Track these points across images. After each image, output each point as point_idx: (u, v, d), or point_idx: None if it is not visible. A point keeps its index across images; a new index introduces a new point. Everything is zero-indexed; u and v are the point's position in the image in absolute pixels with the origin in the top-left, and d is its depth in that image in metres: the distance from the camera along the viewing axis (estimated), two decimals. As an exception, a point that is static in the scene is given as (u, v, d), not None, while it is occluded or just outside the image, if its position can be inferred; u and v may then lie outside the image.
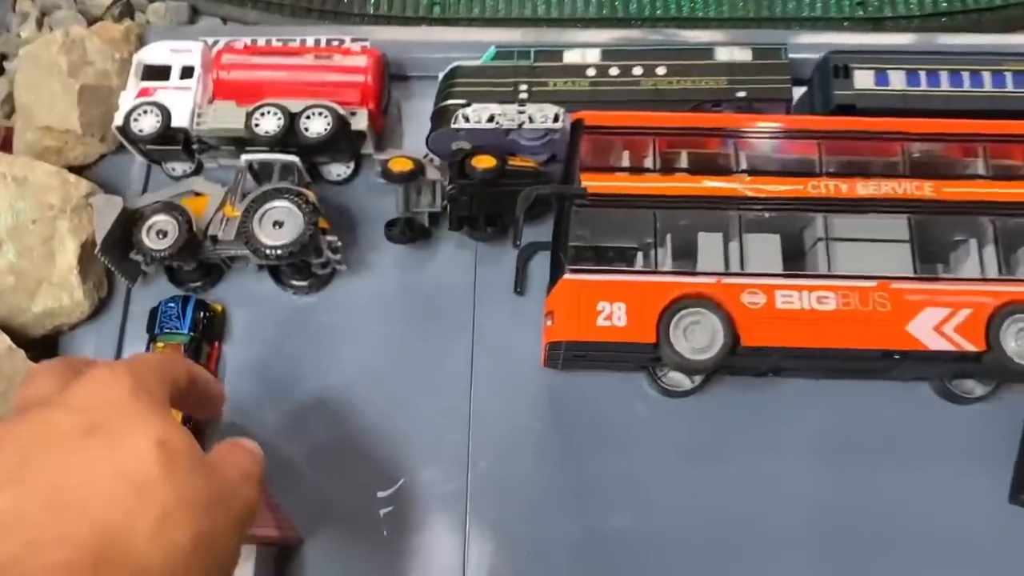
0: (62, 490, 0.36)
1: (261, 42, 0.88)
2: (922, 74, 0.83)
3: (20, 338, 0.78)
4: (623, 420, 0.78)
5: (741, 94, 0.82)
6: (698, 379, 0.78)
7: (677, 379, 0.78)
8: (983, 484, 0.77)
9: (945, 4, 0.91)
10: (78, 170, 0.85)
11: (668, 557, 0.74)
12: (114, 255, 0.78)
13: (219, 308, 0.82)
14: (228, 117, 0.80)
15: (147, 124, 0.81)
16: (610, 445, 0.78)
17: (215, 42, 0.87)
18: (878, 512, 0.76)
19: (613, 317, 0.69)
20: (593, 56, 0.85)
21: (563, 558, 0.74)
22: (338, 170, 0.87)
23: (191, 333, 0.78)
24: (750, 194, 0.74)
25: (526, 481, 0.77)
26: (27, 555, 0.34)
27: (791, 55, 0.85)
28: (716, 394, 0.79)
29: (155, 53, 0.84)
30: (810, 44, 0.88)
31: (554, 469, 0.77)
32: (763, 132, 0.77)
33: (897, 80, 0.83)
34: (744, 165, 0.75)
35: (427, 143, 0.84)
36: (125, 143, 0.84)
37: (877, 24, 0.91)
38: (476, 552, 0.75)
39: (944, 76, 0.83)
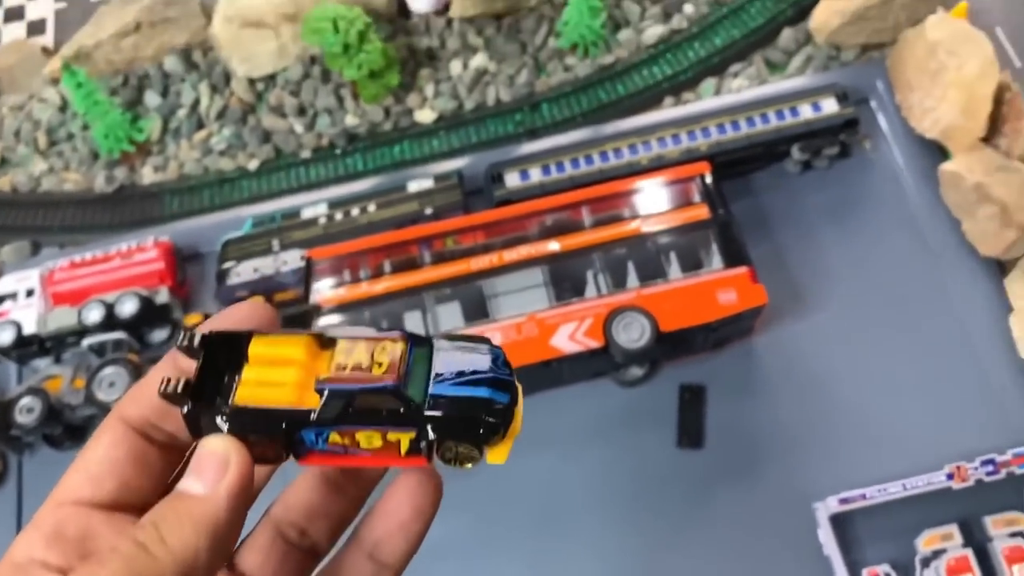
0: None
1: (88, 256, 1.18)
2: (552, 166, 1.17)
3: (-59, 516, 1.05)
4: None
5: (428, 211, 1.15)
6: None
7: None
8: (658, 438, 1.08)
9: (567, 113, 1.26)
10: (-36, 383, 1.14)
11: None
12: (0, 436, 1.06)
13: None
14: (64, 317, 1.10)
15: (6, 337, 1.10)
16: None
17: (52, 265, 1.17)
18: (587, 473, 1.06)
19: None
20: (322, 208, 1.17)
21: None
22: (159, 336, 1.16)
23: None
24: (435, 279, 1.05)
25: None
26: None
27: (477, 171, 1.19)
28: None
29: (4, 284, 1.14)
30: (484, 161, 1.22)
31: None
32: (442, 232, 1.09)
33: (535, 175, 1.16)
34: (428, 260, 1.07)
35: (217, 299, 1.14)
36: (-6, 354, 1.13)
37: (532, 134, 1.25)
38: None
39: (567, 164, 1.17)
